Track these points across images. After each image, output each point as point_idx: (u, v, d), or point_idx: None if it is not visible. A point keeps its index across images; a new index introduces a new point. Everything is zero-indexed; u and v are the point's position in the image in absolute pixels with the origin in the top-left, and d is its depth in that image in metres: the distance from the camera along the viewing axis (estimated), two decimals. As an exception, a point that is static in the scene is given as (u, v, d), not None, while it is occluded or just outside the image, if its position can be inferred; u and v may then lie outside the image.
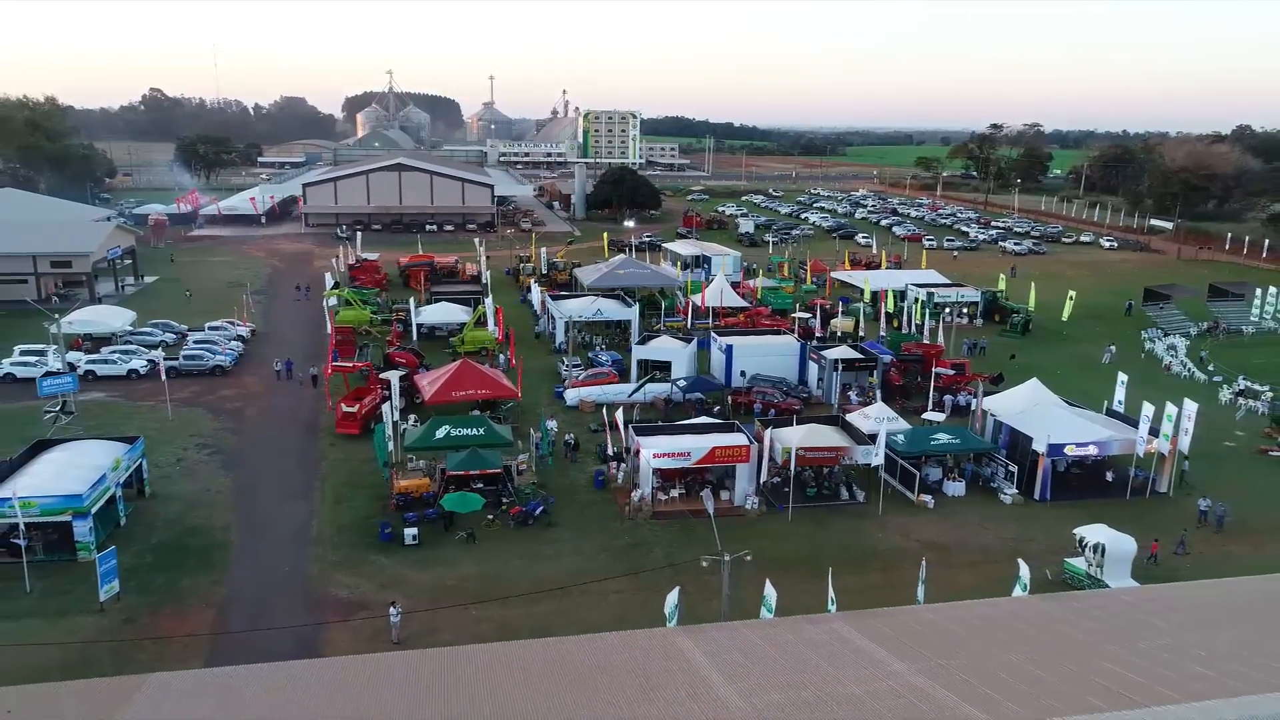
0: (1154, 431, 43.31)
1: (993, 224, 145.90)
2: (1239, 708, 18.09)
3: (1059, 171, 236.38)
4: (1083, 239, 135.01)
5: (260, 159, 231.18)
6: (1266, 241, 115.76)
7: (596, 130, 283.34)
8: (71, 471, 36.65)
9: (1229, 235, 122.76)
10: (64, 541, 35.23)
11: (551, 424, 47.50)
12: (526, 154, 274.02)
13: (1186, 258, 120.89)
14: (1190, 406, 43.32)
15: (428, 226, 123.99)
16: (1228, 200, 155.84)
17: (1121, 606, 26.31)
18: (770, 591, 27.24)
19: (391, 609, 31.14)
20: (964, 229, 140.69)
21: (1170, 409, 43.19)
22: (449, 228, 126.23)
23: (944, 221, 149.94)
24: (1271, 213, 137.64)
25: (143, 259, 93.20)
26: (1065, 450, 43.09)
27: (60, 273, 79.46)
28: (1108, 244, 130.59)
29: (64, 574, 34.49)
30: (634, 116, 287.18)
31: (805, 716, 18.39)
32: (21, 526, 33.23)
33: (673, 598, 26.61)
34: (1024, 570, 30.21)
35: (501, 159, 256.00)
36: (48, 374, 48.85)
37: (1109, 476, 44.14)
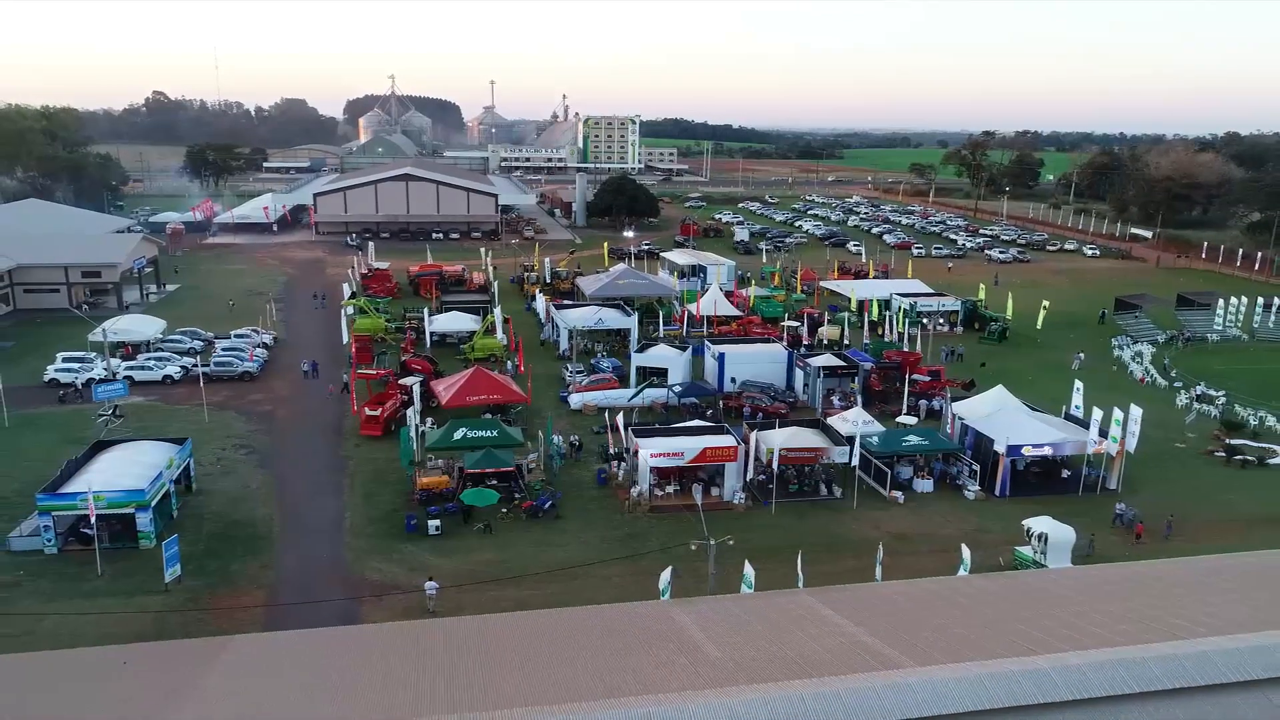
0: (1103, 433, 47.85)
1: (980, 232, 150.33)
2: (1113, 655, 22.70)
3: (1050, 177, 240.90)
4: (1066, 247, 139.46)
5: (266, 164, 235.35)
6: (1240, 250, 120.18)
7: (596, 135, 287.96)
8: (132, 469, 41.09)
9: (1205, 244, 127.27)
10: (127, 531, 39.71)
11: (557, 437, 51.28)
12: (527, 159, 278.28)
13: (1165, 265, 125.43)
14: (1136, 411, 47.81)
15: (434, 235, 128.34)
16: (1210, 208, 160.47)
17: (1044, 583, 30.91)
18: (749, 570, 31.76)
19: (428, 583, 35.72)
20: (952, 237, 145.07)
21: (1117, 413, 47.72)
22: (454, 236, 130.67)
23: (933, 229, 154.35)
24: (1250, 221, 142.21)
25: (161, 268, 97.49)
26: (1023, 451, 47.61)
27: (90, 282, 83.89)
28: (1090, 252, 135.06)
29: (128, 560, 38.96)
30: (633, 122, 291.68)
31: (772, 666, 23.00)
32: (94, 518, 37.69)
33: (666, 575, 31.15)
34: (966, 554, 34.80)
35: (503, 164, 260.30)
36: (101, 381, 53.25)
37: (1065, 474, 48.67)
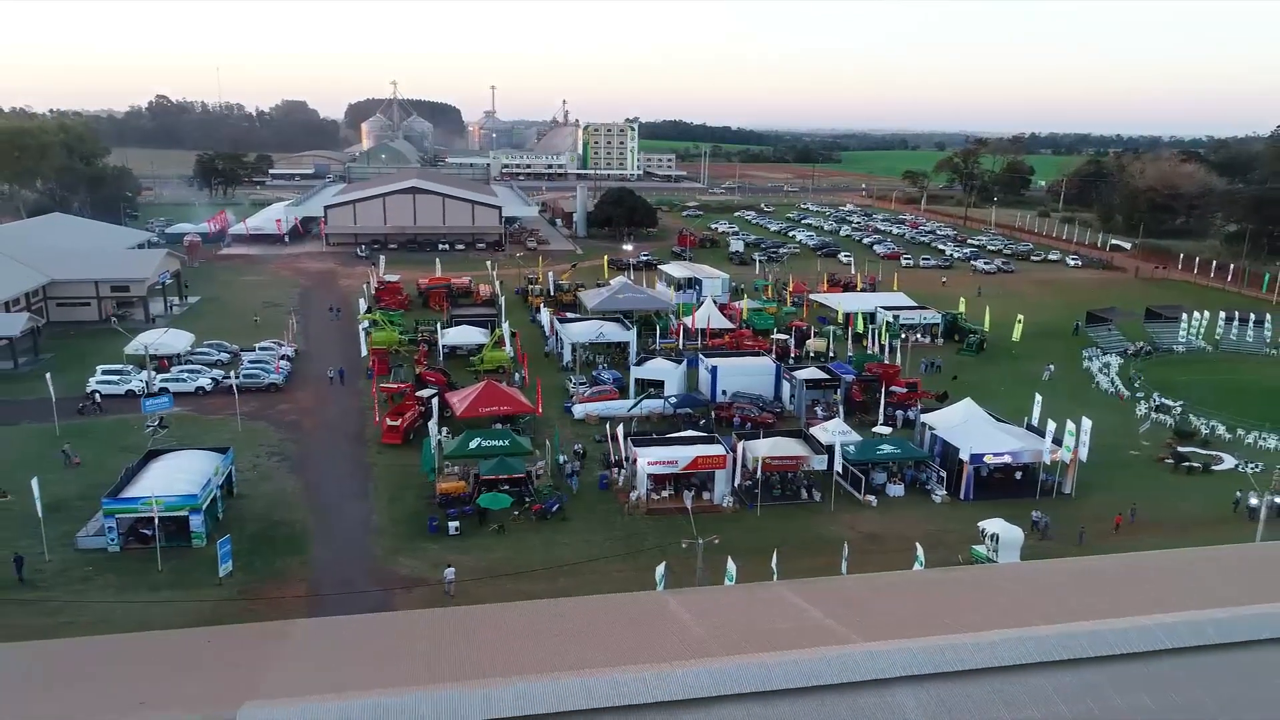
0: (1057, 442, 52.81)
1: (968, 242, 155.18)
2: (1024, 632, 27.77)
3: (1042, 182, 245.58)
4: (1050, 257, 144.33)
5: (271, 171, 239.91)
6: (1214, 262, 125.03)
7: (596, 142, 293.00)
8: (183, 476, 45.94)
9: (1181, 255, 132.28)
10: (181, 532, 44.55)
11: (562, 457, 55.18)
12: (529, 165, 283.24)
13: (1144, 276, 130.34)
14: (1086, 423, 52.71)
15: (440, 245, 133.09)
16: (1191, 218, 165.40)
17: (986, 576, 35.97)
18: (731, 566, 36.75)
19: (447, 570, 40.90)
20: (940, 247, 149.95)
21: (1070, 425, 52.66)
22: (460, 247, 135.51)
23: (923, 239, 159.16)
24: (1228, 232, 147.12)
25: (183, 281, 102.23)
26: (985, 458, 52.54)
27: (118, 296, 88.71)
28: (1073, 262, 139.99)
29: (183, 557, 43.76)
30: (632, 129, 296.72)
31: (746, 642, 28.09)
32: (157, 520, 42.62)
33: (660, 569, 36.13)
34: (920, 551, 39.78)
35: (504, 171, 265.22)
36: (149, 395, 58.15)
37: (1018, 477, 53.64)
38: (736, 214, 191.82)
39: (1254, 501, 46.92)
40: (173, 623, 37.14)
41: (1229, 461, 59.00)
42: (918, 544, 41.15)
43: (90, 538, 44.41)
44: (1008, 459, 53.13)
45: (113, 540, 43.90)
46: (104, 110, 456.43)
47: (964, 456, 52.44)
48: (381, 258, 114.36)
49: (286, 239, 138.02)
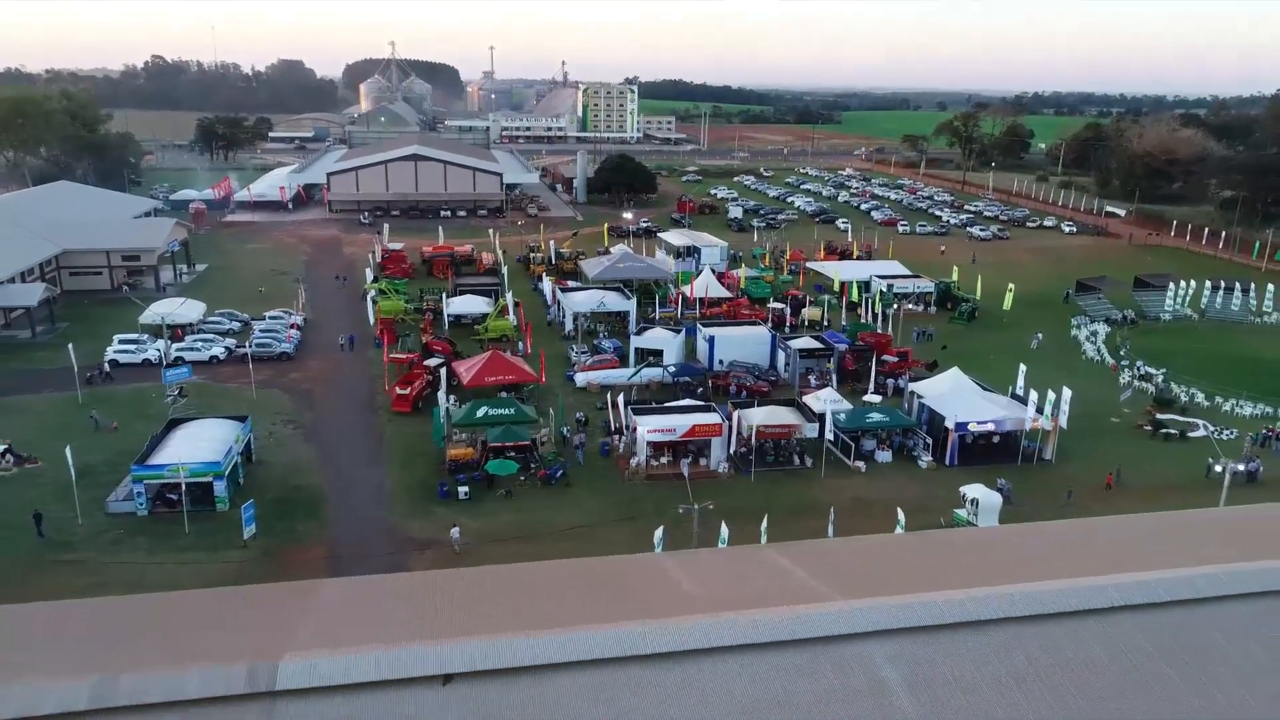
0: (1039, 411, 55.19)
1: (965, 208, 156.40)
2: (988, 591, 30.41)
3: (1042, 145, 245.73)
4: (1046, 223, 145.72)
5: (271, 134, 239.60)
6: (1206, 229, 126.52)
7: (595, 104, 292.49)
8: (206, 444, 48.32)
9: (1174, 222, 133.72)
10: (205, 497, 47.05)
11: (566, 429, 57.09)
12: (528, 128, 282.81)
13: (1137, 243, 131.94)
14: (1067, 392, 55.05)
15: (442, 212, 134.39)
16: (1187, 183, 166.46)
17: (964, 538, 38.41)
18: (724, 530, 39.30)
19: (454, 529, 43.65)
20: (937, 213, 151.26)
21: (1051, 394, 55.00)
22: (461, 213, 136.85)
23: (920, 205, 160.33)
24: (1223, 198, 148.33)
25: (191, 249, 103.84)
26: (969, 426, 54.92)
27: (129, 265, 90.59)
28: (1068, 229, 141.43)
29: (208, 521, 46.29)
30: (632, 91, 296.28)
31: (735, 600, 30.73)
32: (183, 486, 45.13)
33: (658, 533, 38.71)
34: (901, 515, 42.40)
35: (504, 134, 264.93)
36: (169, 365, 60.45)
37: (995, 441, 56.07)
38: (735, 179, 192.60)
39: (1218, 469, 49.24)
40: (202, 582, 39.76)
41: (1204, 429, 61.31)
42: (899, 509, 43.68)
43: (120, 502, 46.89)
44: (991, 427, 55.49)
45: (141, 505, 46.38)
46: (98, 69, 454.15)
47: (949, 424, 54.77)
48: (386, 226, 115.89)
49: (290, 206, 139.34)
